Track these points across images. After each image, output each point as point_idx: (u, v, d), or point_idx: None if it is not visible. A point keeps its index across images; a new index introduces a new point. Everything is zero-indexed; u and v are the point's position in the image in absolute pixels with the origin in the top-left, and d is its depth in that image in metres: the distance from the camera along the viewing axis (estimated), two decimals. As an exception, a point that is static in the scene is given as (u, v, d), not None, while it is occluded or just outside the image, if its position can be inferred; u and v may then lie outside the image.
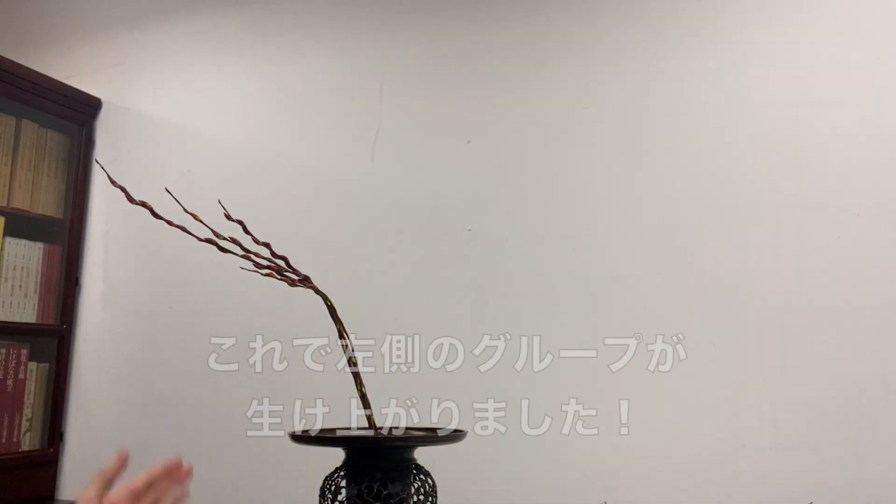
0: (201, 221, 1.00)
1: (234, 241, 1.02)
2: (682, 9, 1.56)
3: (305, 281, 1.04)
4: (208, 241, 1.01)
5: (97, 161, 0.97)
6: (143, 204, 0.99)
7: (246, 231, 1.05)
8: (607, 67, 1.61)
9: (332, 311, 1.04)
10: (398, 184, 1.76)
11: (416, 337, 1.70)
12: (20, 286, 1.97)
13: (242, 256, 1.03)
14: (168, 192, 1.02)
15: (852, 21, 1.43)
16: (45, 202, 2.06)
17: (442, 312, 1.66)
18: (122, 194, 0.99)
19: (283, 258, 1.05)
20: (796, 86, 1.45)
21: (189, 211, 1.00)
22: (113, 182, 1.00)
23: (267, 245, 1.05)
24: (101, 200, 2.12)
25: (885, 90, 1.39)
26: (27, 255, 1.99)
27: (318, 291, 1.04)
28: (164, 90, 2.09)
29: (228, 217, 1.04)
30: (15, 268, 1.96)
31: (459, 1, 1.77)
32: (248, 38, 2.00)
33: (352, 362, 1.05)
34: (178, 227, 1.01)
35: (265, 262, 1.04)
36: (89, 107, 2.15)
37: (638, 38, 1.59)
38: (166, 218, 1.00)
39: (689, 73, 1.53)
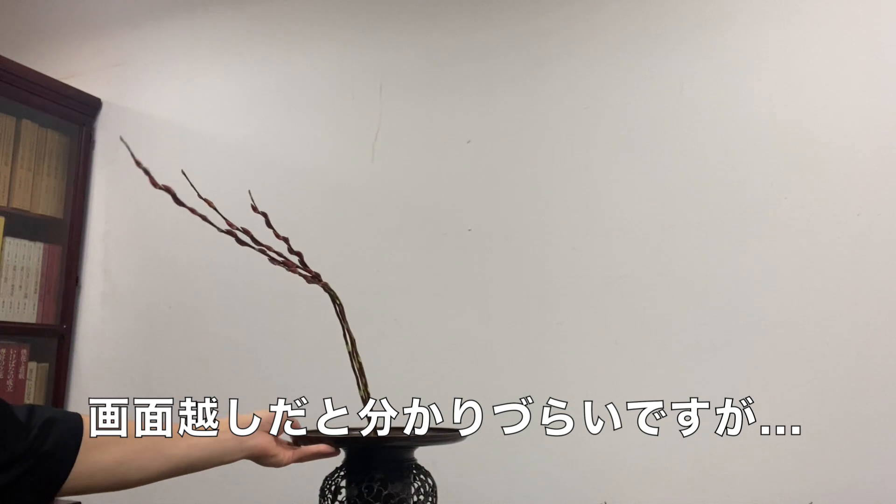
0: (215, 209, 1.00)
1: (246, 232, 1.03)
2: (682, 9, 1.56)
3: (317, 279, 1.05)
4: (228, 232, 1.02)
5: (122, 139, 0.95)
6: (167, 188, 0.99)
7: (269, 224, 1.05)
8: (607, 67, 1.61)
9: (340, 310, 1.04)
10: (398, 184, 1.76)
11: (416, 337, 1.70)
12: (20, 286, 1.97)
13: (259, 250, 1.03)
14: (184, 174, 1.02)
15: (852, 21, 1.43)
16: (45, 202, 2.06)
17: (442, 312, 1.67)
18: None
19: (298, 254, 1.06)
20: (797, 86, 1.45)
21: (203, 197, 1.00)
22: (138, 163, 0.99)
23: (285, 239, 1.06)
24: (101, 200, 2.12)
25: (885, 90, 1.39)
26: (27, 255, 1.99)
27: (328, 290, 1.04)
28: (164, 90, 2.09)
29: (255, 209, 1.05)
30: (15, 268, 1.96)
31: (459, 0, 1.78)
32: (248, 38, 2.00)
33: (354, 362, 1.05)
34: (200, 215, 1.01)
35: (279, 258, 1.04)
36: (89, 107, 2.15)
37: (638, 37, 1.59)
38: (189, 206, 1.00)
39: (689, 73, 1.53)
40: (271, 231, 1.05)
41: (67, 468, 0.80)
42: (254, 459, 0.97)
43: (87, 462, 0.82)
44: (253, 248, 1.02)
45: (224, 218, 1.01)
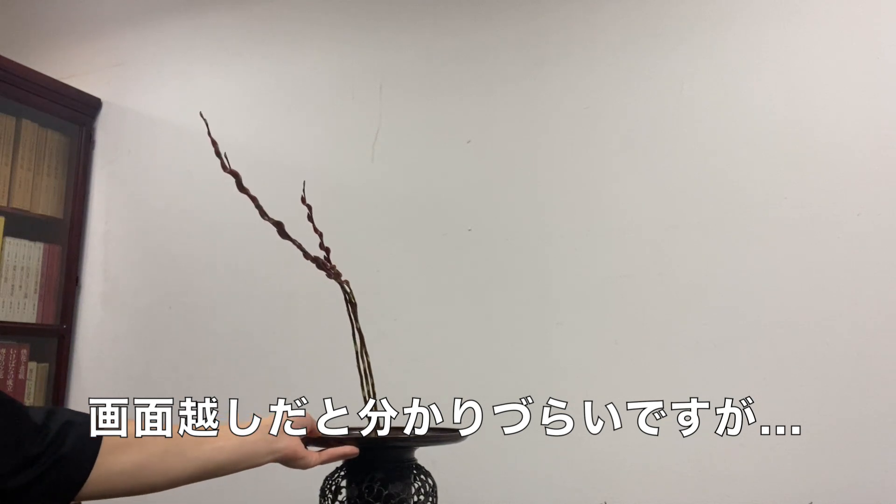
0: (255, 199, 1.03)
1: (278, 224, 1.05)
2: (682, 9, 1.56)
3: (338, 276, 1.07)
4: (275, 223, 1.04)
5: (201, 115, 0.96)
6: (234, 173, 1.02)
7: (310, 219, 1.08)
8: (608, 67, 1.61)
9: (353, 309, 1.05)
10: (398, 184, 1.76)
11: (416, 337, 1.70)
12: (20, 286, 1.97)
13: (296, 244, 1.05)
14: (225, 157, 1.04)
15: (852, 21, 1.43)
16: (45, 202, 2.06)
17: (442, 312, 1.66)
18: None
19: (327, 249, 1.08)
20: (797, 86, 1.45)
21: (245, 187, 1.03)
22: (213, 143, 1.03)
23: (320, 234, 1.09)
24: (101, 200, 2.12)
25: (885, 90, 1.39)
26: (27, 255, 1.99)
27: (345, 289, 1.05)
28: (164, 90, 2.09)
29: (303, 200, 1.10)
30: (15, 268, 1.96)
31: (459, 0, 1.77)
32: (248, 38, 2.00)
33: (363, 362, 1.05)
34: (256, 205, 1.03)
35: (310, 254, 1.06)
36: (89, 107, 2.15)
37: (638, 37, 1.59)
38: (247, 191, 1.04)
39: (689, 73, 1.53)
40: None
41: (85, 471, 0.78)
42: (282, 462, 0.95)
43: (106, 465, 0.79)
44: (292, 241, 1.04)
45: (262, 208, 1.04)
